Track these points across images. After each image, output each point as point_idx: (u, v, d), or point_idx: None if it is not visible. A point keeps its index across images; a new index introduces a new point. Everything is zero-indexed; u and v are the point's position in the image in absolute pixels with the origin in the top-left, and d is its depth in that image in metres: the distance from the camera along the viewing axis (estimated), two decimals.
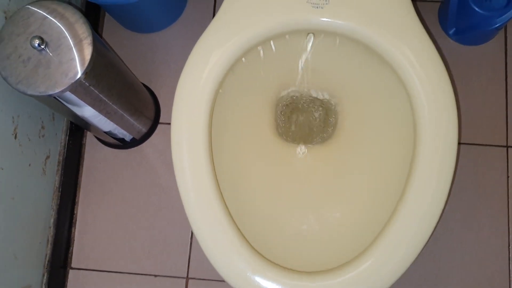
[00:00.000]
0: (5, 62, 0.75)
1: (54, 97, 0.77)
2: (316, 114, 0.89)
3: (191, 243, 1.07)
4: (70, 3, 0.79)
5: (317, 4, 0.71)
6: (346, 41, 0.75)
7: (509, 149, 1.08)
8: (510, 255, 1.03)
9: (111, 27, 1.17)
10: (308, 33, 0.78)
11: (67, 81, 0.74)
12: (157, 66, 1.15)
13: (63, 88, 0.74)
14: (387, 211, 0.66)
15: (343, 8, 0.71)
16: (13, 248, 0.89)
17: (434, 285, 1.02)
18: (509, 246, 1.03)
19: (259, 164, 0.80)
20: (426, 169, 0.65)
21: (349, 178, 0.79)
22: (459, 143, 1.08)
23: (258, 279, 0.62)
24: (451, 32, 1.12)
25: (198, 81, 0.71)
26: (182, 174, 0.67)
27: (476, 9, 1.02)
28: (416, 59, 0.69)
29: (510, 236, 1.04)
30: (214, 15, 1.16)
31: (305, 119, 0.90)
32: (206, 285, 1.05)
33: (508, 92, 1.10)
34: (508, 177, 1.06)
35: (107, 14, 1.16)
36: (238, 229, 0.64)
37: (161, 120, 1.13)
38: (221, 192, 0.66)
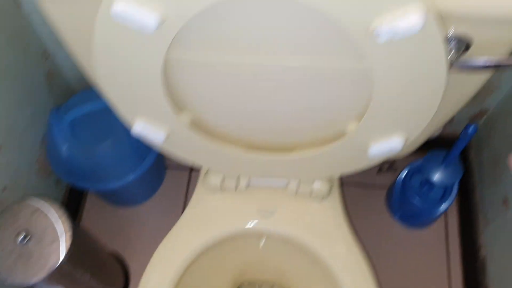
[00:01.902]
0: None
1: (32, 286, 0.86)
2: None
3: None
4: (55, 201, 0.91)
5: (264, 213, 0.84)
6: (290, 243, 0.87)
7: None
8: None
9: (93, 201, 1.29)
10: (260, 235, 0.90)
11: (43, 273, 0.84)
12: (131, 237, 1.26)
13: (37, 279, 0.84)
14: None
15: (287, 219, 0.84)
16: None
17: None
18: None
19: None
20: None
21: None
22: None
23: None
24: (396, 216, 1.26)
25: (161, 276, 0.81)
26: None
27: (414, 202, 1.16)
28: (343, 262, 0.80)
29: None
30: (186, 194, 1.30)
31: None
32: None
33: (451, 276, 1.20)
34: None
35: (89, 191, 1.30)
36: None
37: None
38: None
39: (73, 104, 1.05)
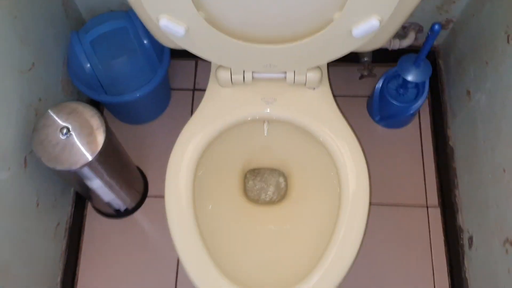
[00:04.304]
0: (39, 146, 1.00)
1: (75, 172, 1.02)
2: (273, 182, 1.17)
3: None
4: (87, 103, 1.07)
5: (267, 100, 1.01)
6: (291, 127, 1.04)
7: (428, 208, 1.36)
8: None
9: (109, 120, 1.44)
10: (264, 121, 1.07)
11: (86, 159, 1.00)
12: (145, 151, 1.42)
13: (82, 165, 1.00)
14: (324, 242, 0.91)
15: (286, 104, 1.01)
16: None
17: None
18: (434, 286, 1.28)
19: (230, 216, 1.06)
20: (349, 210, 0.92)
21: (296, 222, 1.06)
22: (387, 204, 1.35)
23: None
24: (376, 119, 1.44)
25: (184, 154, 0.98)
26: (172, 217, 0.92)
27: (393, 101, 1.35)
28: (335, 136, 0.98)
29: (434, 280, 1.29)
30: (192, 111, 1.46)
31: (265, 185, 1.17)
32: None
33: (424, 163, 1.40)
34: (429, 231, 1.33)
35: (105, 110, 1.45)
36: (210, 254, 0.89)
37: (149, 194, 1.38)
38: (200, 230, 0.91)
39: (91, 26, 1.18)
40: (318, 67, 1.00)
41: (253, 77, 1.01)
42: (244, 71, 1.00)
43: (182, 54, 1.49)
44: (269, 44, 0.90)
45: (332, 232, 0.92)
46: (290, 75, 1.00)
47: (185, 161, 0.98)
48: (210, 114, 1.01)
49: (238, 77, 1.00)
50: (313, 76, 0.99)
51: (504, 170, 1.04)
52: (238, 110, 1.01)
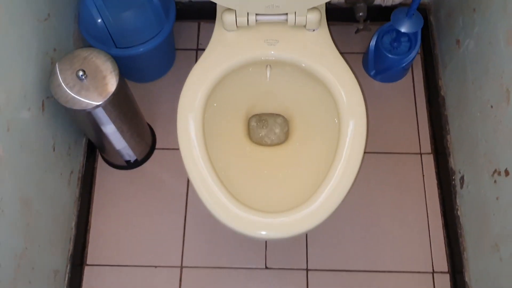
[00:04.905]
0: (57, 88, 1.07)
1: (90, 113, 1.09)
2: (275, 126, 1.24)
3: (183, 239, 1.35)
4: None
5: (270, 42, 1.08)
6: (292, 69, 1.11)
7: (422, 155, 1.43)
8: (430, 235, 1.35)
9: None
10: (267, 65, 1.14)
11: (101, 99, 1.07)
12: (153, 107, 1.49)
13: (98, 104, 1.07)
14: (322, 175, 0.99)
15: (288, 45, 1.08)
16: (50, 235, 1.16)
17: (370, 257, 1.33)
18: (428, 228, 1.36)
19: (235, 152, 1.13)
20: (346, 143, 0.99)
21: (298, 158, 1.13)
22: (383, 152, 1.43)
23: (239, 213, 0.93)
24: (372, 73, 1.51)
25: (194, 95, 1.05)
26: (185, 150, 0.99)
27: (387, 54, 1.42)
28: (336, 75, 1.05)
29: (429, 220, 1.37)
30: None
31: (267, 129, 1.24)
32: (197, 272, 1.32)
33: (417, 114, 1.48)
34: (423, 176, 1.41)
35: None
36: (223, 183, 0.96)
37: (157, 146, 1.45)
38: (211, 161, 0.98)
39: None
40: (317, 9, 1.07)
41: (256, 20, 1.08)
42: (248, 14, 1.06)
43: (186, 16, 1.56)
44: None
45: (332, 161, 0.99)
46: (291, 17, 1.07)
47: (195, 99, 1.04)
48: (216, 56, 1.08)
49: (242, 19, 1.07)
50: (312, 17, 1.06)
51: (491, 106, 1.12)
52: (243, 51, 1.08)
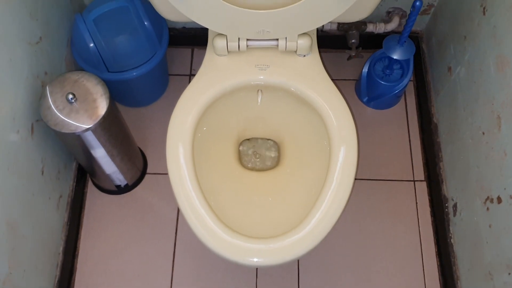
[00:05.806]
0: (46, 111, 1.07)
1: (79, 136, 1.08)
2: (267, 150, 1.23)
3: (173, 265, 1.32)
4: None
5: (261, 67, 1.08)
6: (283, 94, 1.11)
7: (415, 182, 1.42)
8: (424, 263, 1.33)
9: None
10: (258, 90, 1.14)
11: (91, 122, 1.06)
12: (145, 132, 1.49)
13: (86, 128, 1.06)
14: (313, 200, 0.97)
15: (279, 70, 1.08)
16: (36, 261, 1.14)
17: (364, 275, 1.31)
18: (422, 256, 1.34)
19: (225, 177, 1.12)
20: (337, 169, 0.98)
21: (288, 184, 1.12)
22: (377, 179, 1.42)
23: (228, 238, 0.91)
24: (364, 100, 1.51)
25: (184, 119, 1.04)
26: (174, 174, 0.98)
27: (380, 81, 1.42)
28: (326, 100, 1.05)
29: (422, 248, 1.35)
30: None
31: (258, 154, 1.23)
32: None
33: (410, 140, 1.47)
34: (416, 203, 1.40)
35: None
36: (212, 208, 0.94)
37: (148, 171, 1.44)
38: (200, 186, 0.97)
39: (93, 7, 1.26)
40: (308, 35, 1.08)
41: (247, 45, 1.08)
42: (239, 39, 1.07)
43: (180, 42, 1.57)
44: (261, 10, 0.98)
45: (322, 186, 0.98)
46: (282, 42, 1.07)
47: (185, 123, 1.04)
48: (207, 80, 1.08)
49: (233, 44, 1.07)
50: (303, 42, 1.07)
51: (483, 133, 1.11)
52: (233, 76, 1.08)
